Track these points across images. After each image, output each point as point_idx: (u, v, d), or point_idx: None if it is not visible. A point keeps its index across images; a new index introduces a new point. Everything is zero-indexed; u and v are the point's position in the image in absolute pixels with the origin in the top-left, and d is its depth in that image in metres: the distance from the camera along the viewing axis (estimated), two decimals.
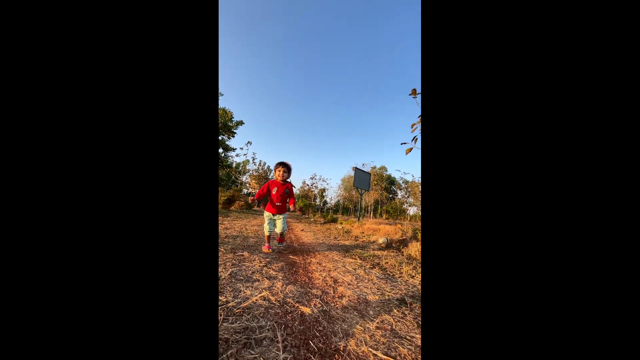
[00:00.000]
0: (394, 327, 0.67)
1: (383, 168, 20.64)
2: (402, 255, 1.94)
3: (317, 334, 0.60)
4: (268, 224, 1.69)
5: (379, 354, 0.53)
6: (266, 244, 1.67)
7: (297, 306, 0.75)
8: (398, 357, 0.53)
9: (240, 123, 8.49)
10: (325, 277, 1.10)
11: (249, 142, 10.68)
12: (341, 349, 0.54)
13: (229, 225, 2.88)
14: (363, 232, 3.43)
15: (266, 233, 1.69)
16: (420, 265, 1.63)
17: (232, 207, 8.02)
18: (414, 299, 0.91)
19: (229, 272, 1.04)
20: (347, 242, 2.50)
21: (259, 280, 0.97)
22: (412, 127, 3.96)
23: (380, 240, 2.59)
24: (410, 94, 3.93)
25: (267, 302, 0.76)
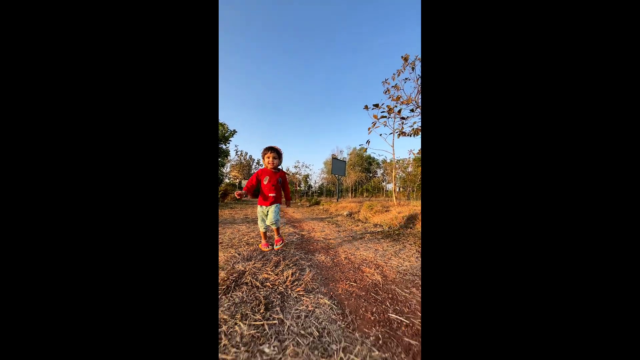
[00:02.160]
0: (327, 234, 2.36)
1: (362, 149, 22.44)
2: (354, 219, 3.69)
3: (308, 237, 2.25)
4: (262, 220, 1.53)
5: (321, 237, 2.20)
6: (263, 242, 1.55)
7: (301, 232, 2.41)
8: (329, 236, 2.20)
9: (234, 132, 9.56)
10: (309, 228, 2.77)
11: (233, 130, 11.40)
12: (315, 237, 2.20)
13: (246, 213, 4.41)
14: (337, 210, 5.19)
15: (261, 230, 1.55)
16: (360, 221, 3.37)
17: (226, 200, 9.35)
18: (345, 232, 2.62)
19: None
20: (324, 216, 4.21)
21: (289, 229, 2.60)
22: (368, 131, 5.79)
23: (345, 213, 4.35)
24: (364, 108, 5.70)
25: (294, 234, 2.41)
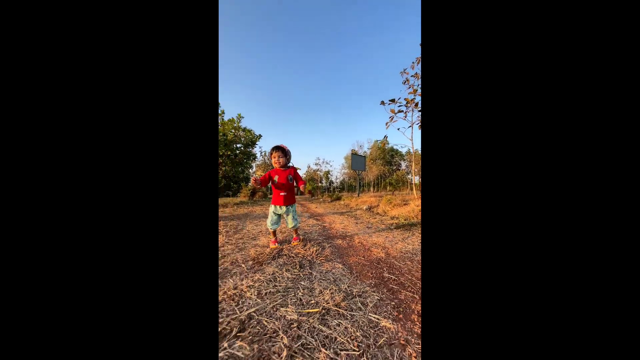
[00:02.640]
0: (346, 225, 2.74)
1: (382, 142, 21.93)
2: (373, 212, 4.00)
3: (329, 227, 2.67)
4: (272, 221, 1.56)
5: (341, 228, 2.59)
6: (272, 239, 1.58)
7: (322, 224, 2.84)
8: (348, 227, 2.58)
9: (260, 137, 10.62)
10: (330, 220, 3.18)
11: (259, 135, 12.41)
12: (335, 228, 2.61)
13: None
14: (357, 204, 5.51)
15: (270, 229, 1.58)
16: (378, 214, 3.67)
17: (255, 198, 10.27)
18: (362, 224, 2.98)
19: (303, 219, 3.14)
20: (344, 210, 4.59)
21: (312, 221, 3.05)
22: (386, 125, 6.01)
23: (364, 207, 4.66)
24: (380, 104, 5.93)
25: (316, 225, 2.85)
